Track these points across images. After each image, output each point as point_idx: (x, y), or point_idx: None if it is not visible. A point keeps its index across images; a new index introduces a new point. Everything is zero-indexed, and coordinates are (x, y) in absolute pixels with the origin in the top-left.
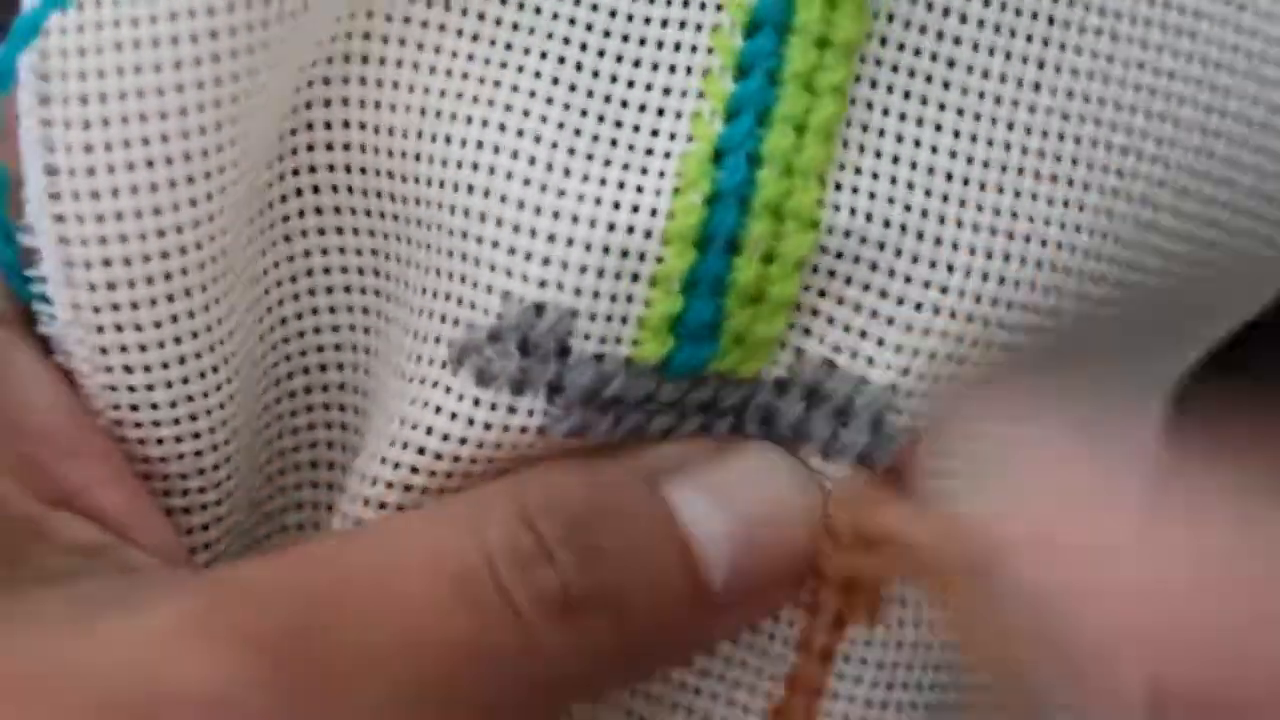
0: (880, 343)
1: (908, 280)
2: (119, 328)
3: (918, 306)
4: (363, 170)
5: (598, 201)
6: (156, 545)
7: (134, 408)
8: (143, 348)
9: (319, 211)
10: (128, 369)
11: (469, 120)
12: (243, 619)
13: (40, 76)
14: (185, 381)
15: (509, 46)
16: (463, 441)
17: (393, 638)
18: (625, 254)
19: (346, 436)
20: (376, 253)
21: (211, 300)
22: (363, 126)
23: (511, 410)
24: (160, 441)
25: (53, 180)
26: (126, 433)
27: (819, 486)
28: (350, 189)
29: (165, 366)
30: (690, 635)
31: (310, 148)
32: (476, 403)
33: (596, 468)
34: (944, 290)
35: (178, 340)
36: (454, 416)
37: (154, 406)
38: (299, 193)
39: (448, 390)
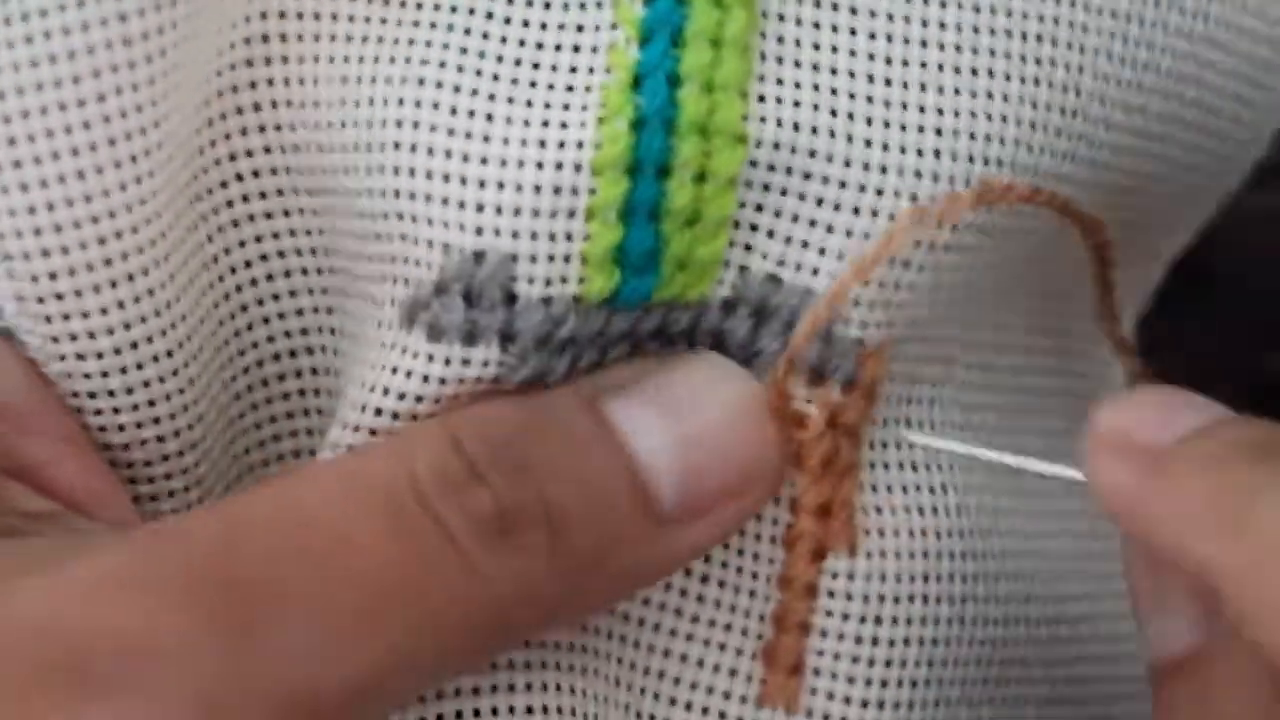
0: (822, 252)
1: (842, 185)
2: (65, 316)
3: (855, 210)
4: (295, 148)
5: (523, 142)
6: (116, 520)
7: (91, 395)
8: (91, 334)
9: (263, 196)
10: (80, 356)
11: (388, 80)
12: (167, 565)
13: None
14: (140, 367)
15: (419, 4)
16: (419, 399)
17: (317, 570)
18: (557, 190)
19: (325, 421)
20: (324, 231)
21: (156, 284)
22: (289, 104)
23: (465, 362)
24: (121, 428)
25: None
26: (88, 420)
27: (764, 390)
28: (286, 169)
29: (117, 352)
30: (640, 556)
31: (243, 131)
32: (430, 358)
33: (533, 394)
34: (879, 192)
35: (126, 326)
36: (409, 375)
37: (110, 394)
38: (239, 178)
39: (403, 350)
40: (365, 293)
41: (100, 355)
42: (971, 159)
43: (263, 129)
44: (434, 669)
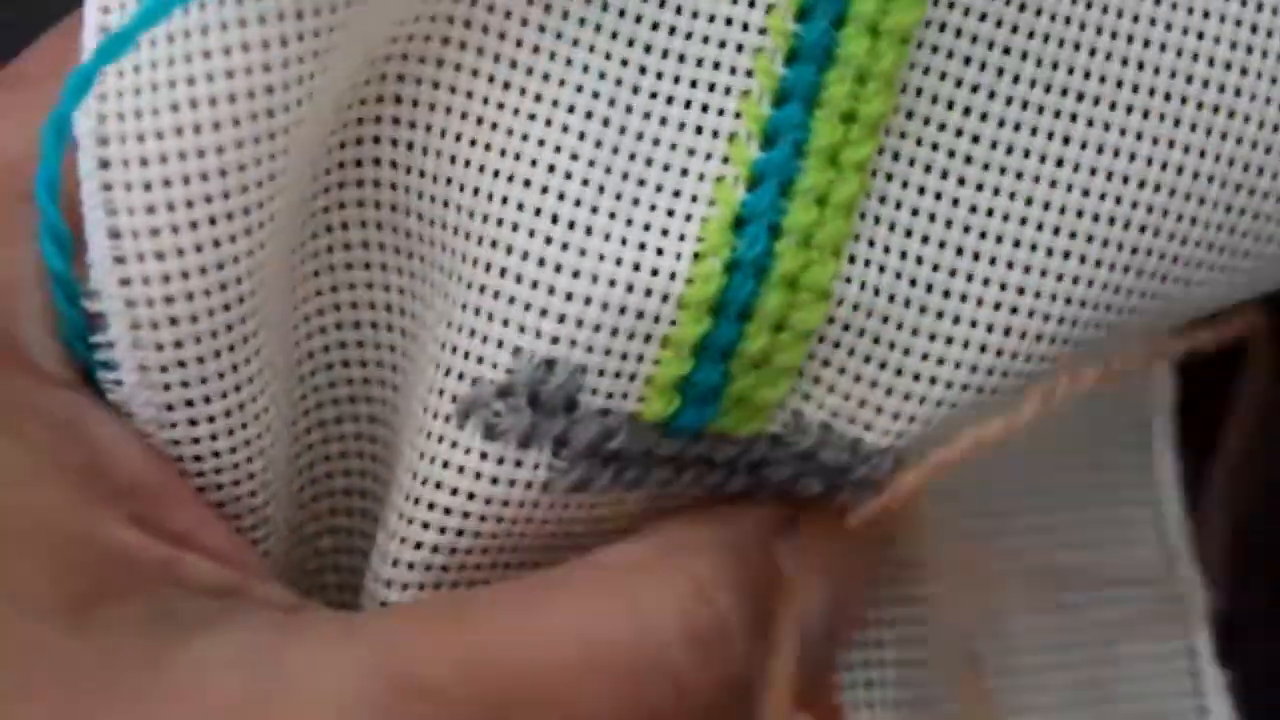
0: (879, 410)
1: (907, 353)
2: (185, 384)
3: (915, 377)
4: (393, 208)
5: (618, 261)
6: (262, 576)
7: (197, 458)
8: (207, 399)
9: (347, 247)
10: (192, 422)
11: (495, 174)
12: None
13: (99, 140)
14: (245, 427)
15: (538, 98)
16: (470, 496)
17: None
18: (640, 315)
19: (376, 467)
20: (404, 292)
21: (258, 348)
22: (394, 165)
23: (518, 464)
24: (220, 487)
25: (116, 243)
26: (190, 482)
27: None
28: (379, 225)
29: (228, 415)
30: None
31: (342, 185)
32: (484, 456)
33: (726, 531)
34: (941, 362)
35: (238, 389)
36: (460, 470)
37: (216, 455)
38: (329, 229)
39: (454, 445)
40: (423, 369)
41: (212, 419)
42: (1039, 338)
43: (360, 184)
44: None
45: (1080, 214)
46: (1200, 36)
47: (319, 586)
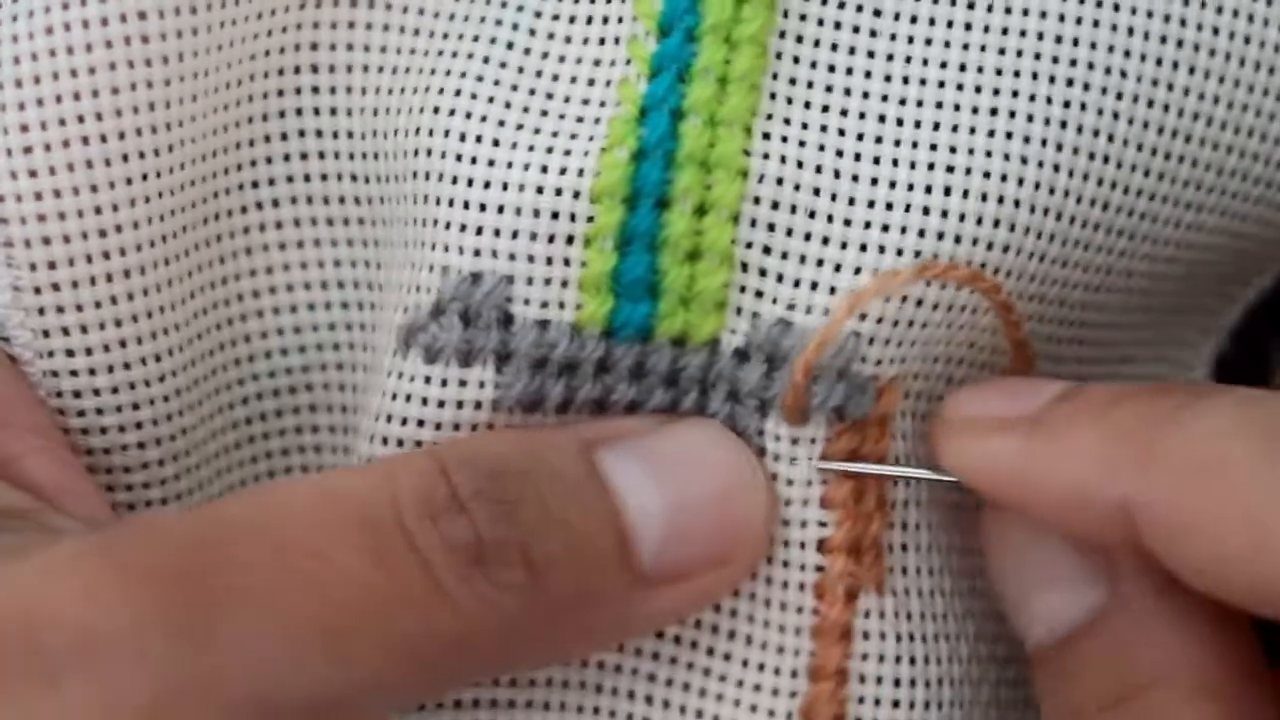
0: (832, 291)
1: (847, 223)
2: (59, 309)
3: (862, 248)
4: (323, 176)
5: (526, 167)
6: (90, 517)
7: (76, 394)
8: (83, 328)
9: (279, 225)
10: (69, 352)
11: (411, 110)
12: (129, 557)
13: None
14: (126, 367)
15: (445, 36)
16: (420, 423)
17: (288, 580)
18: (555, 215)
19: (321, 458)
20: (355, 264)
21: (152, 285)
22: (319, 134)
23: (462, 383)
24: (103, 430)
25: None
26: (69, 421)
27: (760, 466)
28: (309, 198)
29: (106, 349)
30: (619, 611)
31: (270, 159)
32: (427, 380)
33: (529, 431)
34: (885, 228)
35: (117, 323)
36: (408, 398)
37: (95, 392)
38: (259, 205)
39: (400, 375)
40: (385, 322)
41: (89, 351)
42: (984, 197)
43: (287, 158)
44: (395, 693)
45: (1000, 72)
46: None
47: None
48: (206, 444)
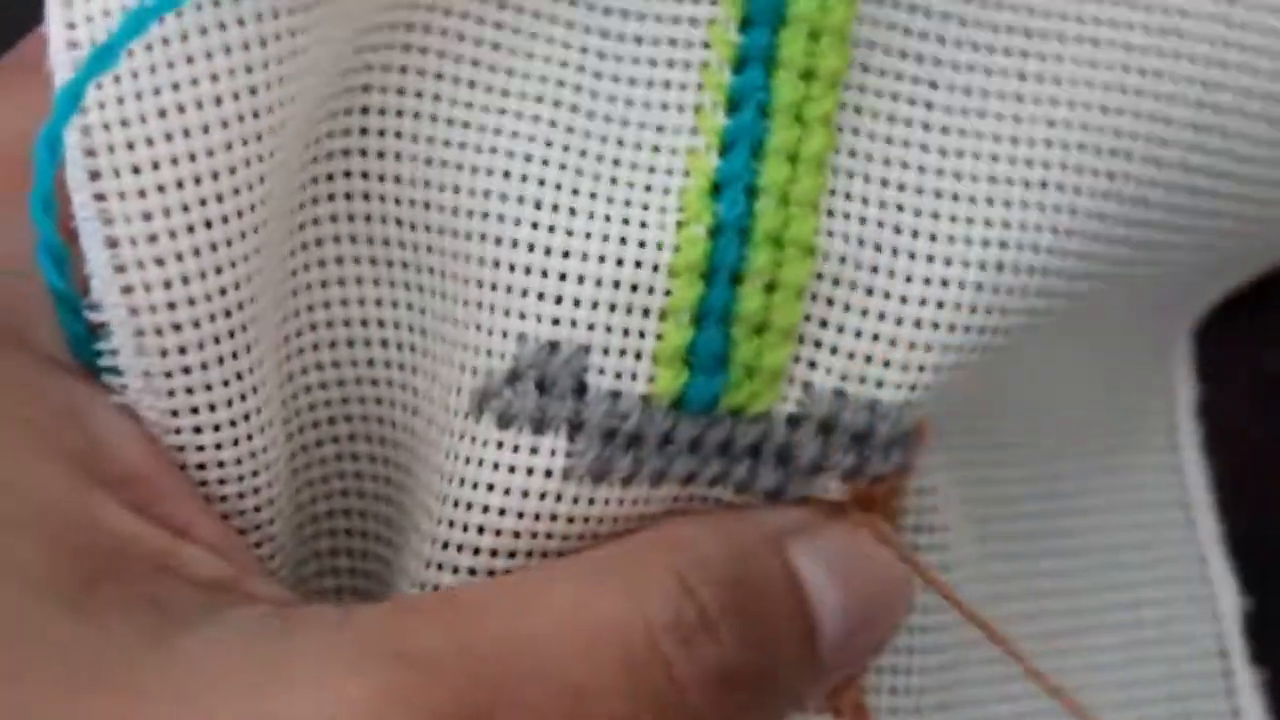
0: (886, 364)
1: (904, 301)
2: (189, 390)
3: (917, 324)
4: (367, 218)
5: (605, 238)
6: (259, 574)
7: (200, 466)
8: (212, 407)
9: (322, 264)
10: (197, 429)
11: (474, 170)
12: (420, 696)
13: (86, 153)
14: (250, 438)
15: (505, 93)
16: (490, 488)
17: (564, 716)
18: (634, 288)
19: (362, 484)
20: (382, 303)
21: (257, 361)
22: (364, 176)
23: (534, 451)
24: (224, 499)
25: (115, 253)
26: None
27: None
28: (353, 238)
29: (233, 424)
30: (798, 698)
31: (315, 200)
32: (500, 445)
33: (723, 522)
34: (940, 305)
35: (243, 397)
36: (480, 463)
37: (220, 465)
38: (305, 246)
39: (473, 439)
40: (436, 373)
41: (217, 428)
42: (1031, 271)
43: (332, 198)
44: None
45: (1049, 144)
46: None
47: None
48: (283, 486)
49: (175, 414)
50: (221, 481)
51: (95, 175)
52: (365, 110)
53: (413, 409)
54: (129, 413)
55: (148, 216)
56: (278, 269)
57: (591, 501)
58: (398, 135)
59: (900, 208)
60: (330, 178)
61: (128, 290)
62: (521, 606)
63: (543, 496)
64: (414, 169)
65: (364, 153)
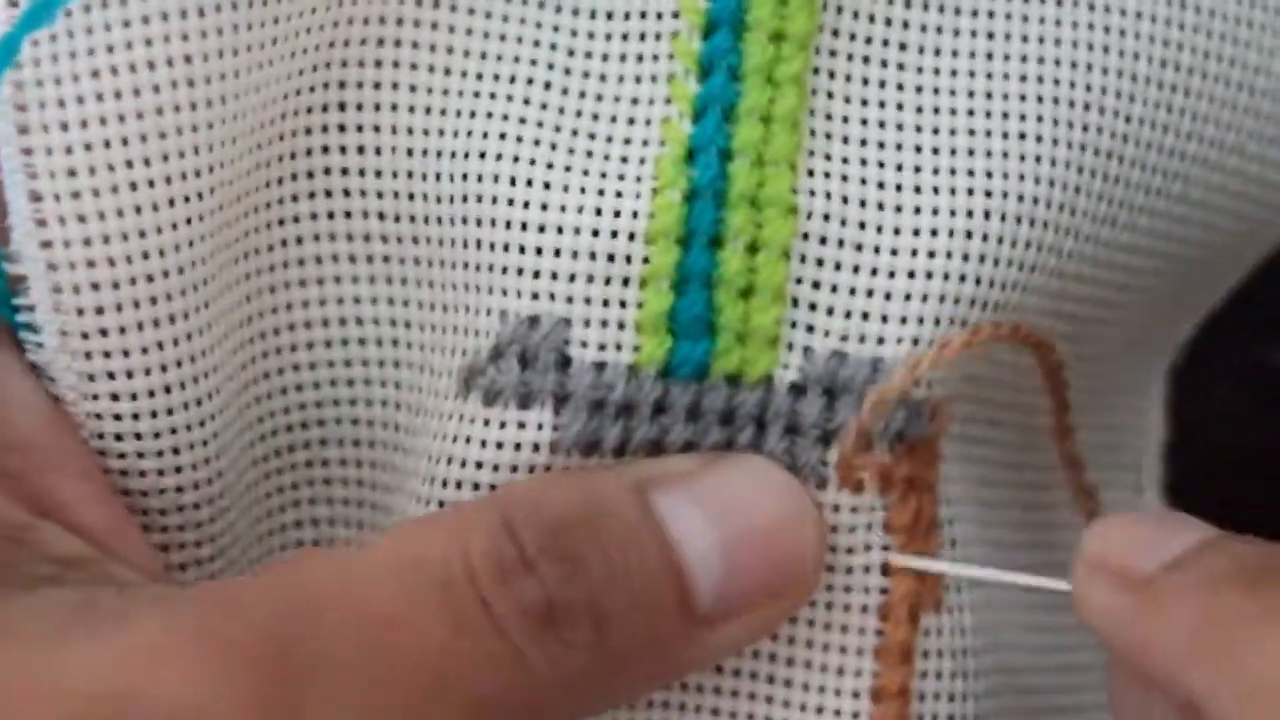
0: (884, 319)
1: (894, 253)
2: (106, 354)
3: (910, 274)
4: (348, 214)
5: (579, 210)
6: (139, 564)
7: (118, 437)
8: (129, 374)
9: (301, 263)
10: (114, 396)
11: (453, 155)
12: (220, 631)
13: (17, 106)
14: (170, 412)
15: (480, 76)
16: (479, 465)
17: (370, 645)
18: (611, 257)
19: (331, 489)
20: (377, 301)
21: (195, 330)
22: (345, 172)
23: (521, 425)
24: (143, 474)
25: (37, 206)
26: (110, 463)
27: (810, 499)
28: (333, 235)
29: (151, 395)
30: (679, 652)
31: (295, 198)
32: (486, 423)
33: (584, 476)
34: (931, 254)
35: (163, 368)
36: (468, 440)
37: (138, 436)
38: (284, 243)
39: (460, 418)
40: (426, 363)
41: (134, 396)
42: (1018, 219)
43: (312, 195)
44: None
45: (1023, 98)
46: None
47: None
48: (234, 483)
49: (91, 378)
50: (140, 455)
51: (24, 129)
52: (342, 106)
53: (396, 403)
54: (44, 386)
55: (72, 173)
56: (242, 257)
57: None
58: (376, 129)
59: (881, 164)
60: (310, 175)
61: (47, 245)
62: (335, 554)
63: (531, 470)
64: (394, 160)
65: (343, 149)
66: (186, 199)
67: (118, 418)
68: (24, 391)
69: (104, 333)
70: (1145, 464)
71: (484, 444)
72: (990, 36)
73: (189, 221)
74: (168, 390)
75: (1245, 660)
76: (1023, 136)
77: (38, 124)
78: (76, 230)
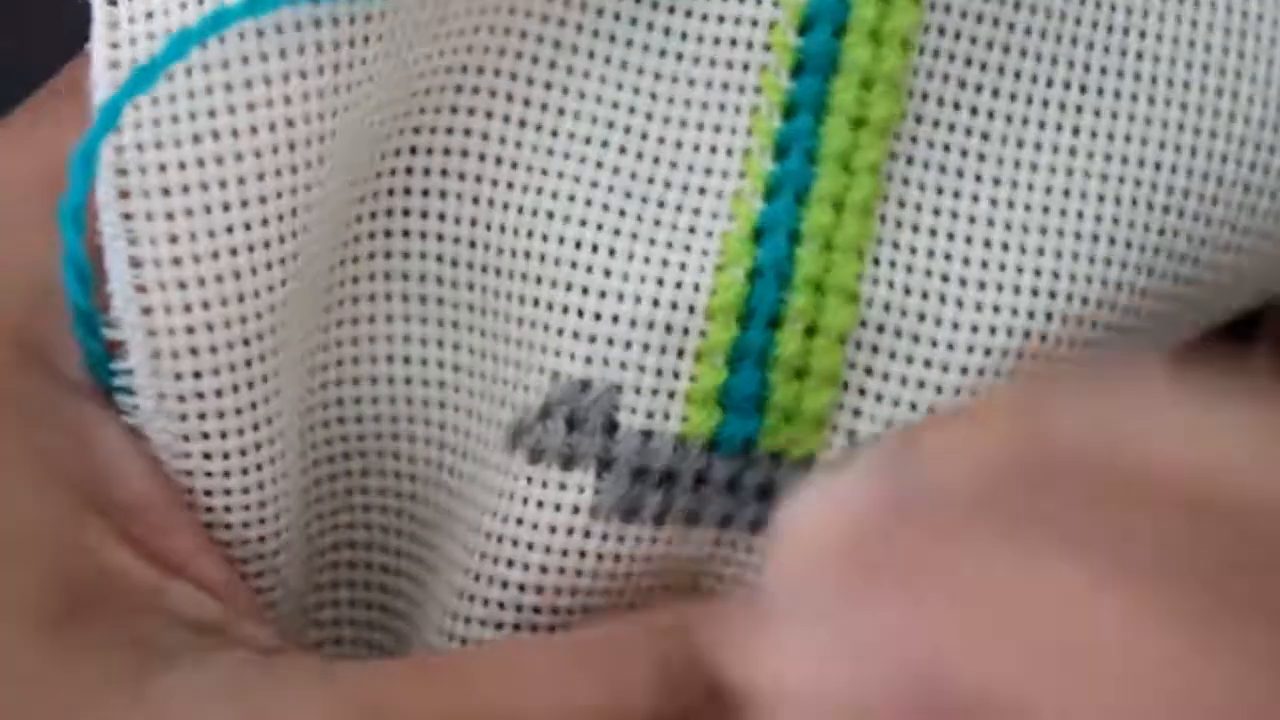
0: (932, 410)
1: (950, 348)
2: (201, 415)
3: (963, 370)
4: (405, 255)
5: (642, 280)
6: (254, 615)
7: (207, 493)
8: (223, 435)
9: (355, 301)
10: (206, 455)
11: (520, 210)
12: None
13: (118, 171)
14: (259, 468)
15: (554, 133)
16: (519, 521)
17: None
18: (669, 329)
19: (370, 516)
20: (426, 342)
21: (273, 391)
22: (406, 213)
23: (562, 487)
24: (229, 527)
25: (137, 272)
26: (200, 517)
27: None
28: (388, 275)
29: (243, 454)
30: None
31: (357, 238)
32: (529, 480)
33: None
34: (988, 352)
35: (255, 427)
36: (511, 497)
37: (227, 493)
38: (342, 283)
39: (506, 473)
40: (474, 409)
41: (226, 456)
42: (1079, 323)
43: (372, 236)
44: None
45: (1102, 198)
46: (1194, 24)
47: (332, 638)
48: (295, 522)
49: (186, 439)
50: (228, 509)
51: (124, 194)
52: (414, 150)
53: (440, 443)
54: (138, 439)
55: (173, 239)
56: (312, 302)
57: (621, 539)
58: (443, 173)
59: (948, 256)
60: (374, 216)
61: (147, 311)
62: (501, 677)
63: (570, 532)
64: (459, 207)
65: (408, 191)
66: (283, 261)
67: (209, 475)
68: (129, 454)
69: (200, 396)
70: None
71: (525, 501)
72: (1075, 133)
73: (284, 284)
74: (258, 447)
75: None
76: (1095, 238)
77: (138, 189)
78: (177, 297)
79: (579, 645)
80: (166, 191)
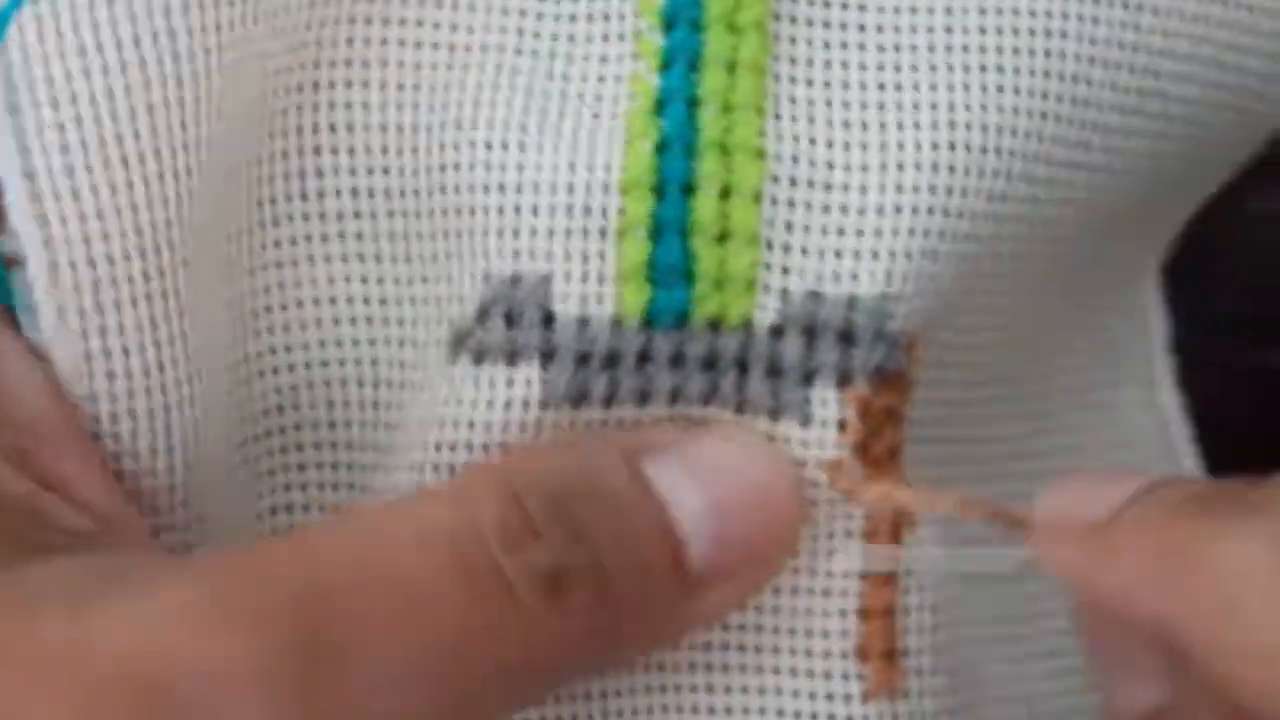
0: (857, 255)
1: (863, 190)
2: (102, 331)
3: (880, 210)
4: (320, 194)
5: (555, 168)
6: (139, 545)
7: (114, 417)
8: (125, 351)
9: (278, 244)
10: (109, 375)
11: (428, 128)
12: (248, 599)
13: (7, 84)
14: (163, 391)
15: (451, 48)
16: (471, 425)
17: (394, 613)
18: (588, 211)
19: (305, 475)
20: (350, 279)
21: (176, 311)
22: (317, 151)
23: (509, 383)
24: (136, 456)
25: (32, 184)
26: (106, 443)
27: (793, 465)
28: (306, 216)
29: (145, 374)
30: (673, 613)
31: (271, 179)
32: (476, 382)
33: (579, 445)
34: (899, 188)
35: (156, 345)
36: (459, 402)
37: (132, 415)
38: (262, 225)
39: (451, 381)
40: (407, 338)
41: (129, 375)
42: (984, 150)
43: (286, 176)
44: (491, 714)
45: (983, 30)
46: None
47: None
48: (218, 468)
49: (89, 358)
50: (134, 435)
51: (15, 107)
52: (316, 85)
53: (375, 382)
54: (42, 366)
55: (65, 149)
56: (225, 240)
57: (573, 425)
58: (348, 107)
59: (846, 104)
60: (285, 155)
61: (43, 221)
62: (354, 524)
63: (523, 426)
64: (367, 137)
65: (315, 128)
66: (175, 175)
67: (113, 398)
68: (24, 372)
69: (100, 309)
70: (1156, 360)
71: (475, 404)
72: None
73: (179, 197)
74: (161, 368)
75: (1204, 574)
76: (984, 68)
77: (29, 101)
78: (72, 206)
79: (432, 487)
80: (56, 104)
